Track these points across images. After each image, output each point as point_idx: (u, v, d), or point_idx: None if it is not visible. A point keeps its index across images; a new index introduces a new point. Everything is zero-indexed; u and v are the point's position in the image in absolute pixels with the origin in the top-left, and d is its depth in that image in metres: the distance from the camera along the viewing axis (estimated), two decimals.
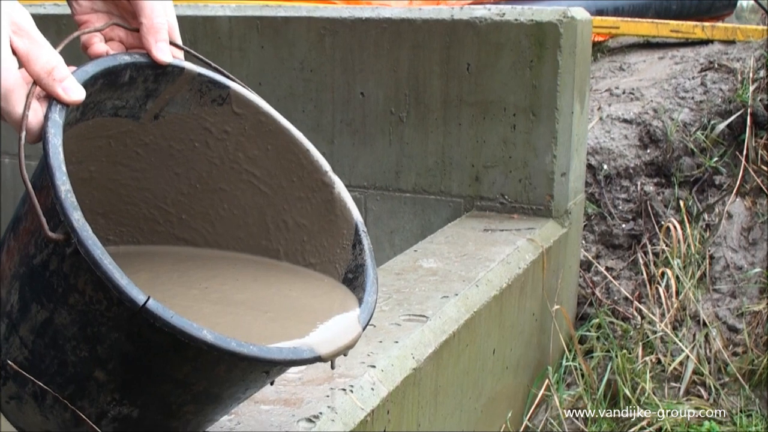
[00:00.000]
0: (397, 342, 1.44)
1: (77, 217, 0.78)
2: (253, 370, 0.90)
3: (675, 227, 2.66)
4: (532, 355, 2.17)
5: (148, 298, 0.77)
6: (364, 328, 0.96)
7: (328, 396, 1.22)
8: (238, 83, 1.08)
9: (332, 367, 0.98)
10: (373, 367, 1.34)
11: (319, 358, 0.89)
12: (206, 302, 1.01)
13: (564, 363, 2.30)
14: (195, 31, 2.73)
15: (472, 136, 2.42)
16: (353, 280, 1.04)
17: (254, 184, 1.12)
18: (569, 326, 2.37)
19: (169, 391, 0.87)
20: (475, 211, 2.42)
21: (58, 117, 0.85)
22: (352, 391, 1.25)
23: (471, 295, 1.72)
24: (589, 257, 2.82)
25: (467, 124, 2.42)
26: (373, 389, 1.29)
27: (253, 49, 2.66)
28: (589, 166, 2.98)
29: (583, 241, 2.82)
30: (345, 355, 0.95)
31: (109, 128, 1.03)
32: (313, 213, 1.10)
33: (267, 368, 0.90)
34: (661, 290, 2.54)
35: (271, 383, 1.03)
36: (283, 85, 2.63)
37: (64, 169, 0.81)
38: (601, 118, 3.22)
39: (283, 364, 0.86)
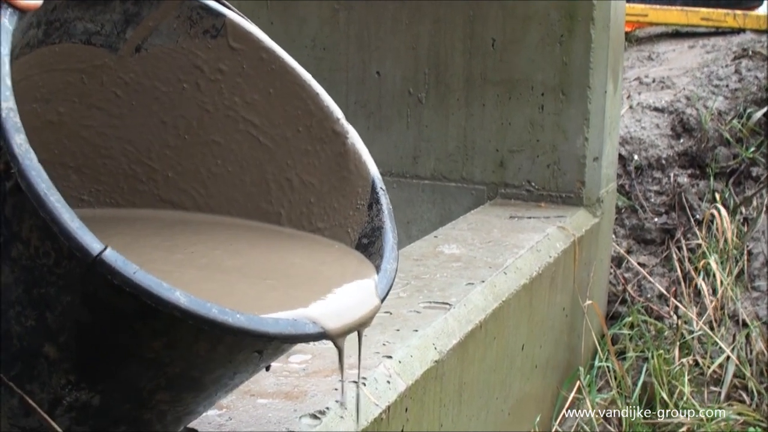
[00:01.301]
0: (416, 331, 1.26)
1: (19, 141, 0.61)
2: (243, 348, 0.72)
3: (720, 213, 2.46)
4: (562, 354, 1.99)
5: (105, 248, 0.60)
6: (382, 300, 0.78)
7: (336, 389, 1.05)
8: (236, 12, 0.91)
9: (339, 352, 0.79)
10: (390, 357, 1.16)
11: (324, 335, 0.72)
12: (191, 268, 0.83)
13: (596, 364, 2.11)
14: None
15: (496, 117, 2.24)
16: (368, 245, 0.87)
17: (253, 135, 0.95)
18: (602, 324, 2.19)
19: (137, 374, 0.70)
20: (499, 199, 2.24)
21: (7, 23, 0.68)
22: (364, 384, 1.07)
23: (499, 283, 1.54)
24: (621, 252, 2.63)
25: (491, 104, 2.24)
26: (389, 382, 1.12)
27: (261, 25, 2.47)
28: (619, 157, 2.79)
29: (613, 236, 2.64)
30: (360, 333, 0.77)
31: (81, 59, 0.86)
32: (322, 169, 0.93)
33: (259, 346, 0.72)
34: (701, 286, 2.35)
35: (267, 368, 0.85)
36: None
37: (9, 82, 0.64)
38: (631, 107, 3.03)
39: (279, 340, 0.69)
